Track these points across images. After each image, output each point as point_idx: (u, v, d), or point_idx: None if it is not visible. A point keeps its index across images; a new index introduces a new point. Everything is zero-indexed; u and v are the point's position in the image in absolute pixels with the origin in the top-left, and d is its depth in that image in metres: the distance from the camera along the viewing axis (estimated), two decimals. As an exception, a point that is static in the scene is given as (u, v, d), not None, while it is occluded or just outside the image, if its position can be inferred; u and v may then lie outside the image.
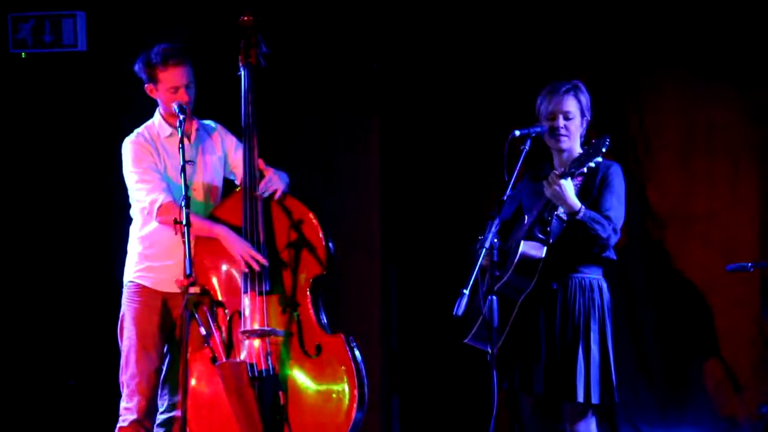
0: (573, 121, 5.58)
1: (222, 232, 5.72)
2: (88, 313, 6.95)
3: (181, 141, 5.57)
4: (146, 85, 5.80)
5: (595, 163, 5.31)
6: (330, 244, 5.77)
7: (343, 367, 5.66)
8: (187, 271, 5.34)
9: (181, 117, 5.64)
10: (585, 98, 5.62)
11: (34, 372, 7.17)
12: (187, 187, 5.48)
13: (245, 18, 5.91)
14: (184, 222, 5.41)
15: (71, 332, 7.10)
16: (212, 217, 5.81)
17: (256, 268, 5.67)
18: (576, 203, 5.38)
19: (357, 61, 6.94)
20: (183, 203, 5.43)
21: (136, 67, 5.80)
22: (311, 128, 7.04)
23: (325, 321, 5.75)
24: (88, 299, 6.93)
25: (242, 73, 5.88)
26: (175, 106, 5.67)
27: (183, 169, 5.50)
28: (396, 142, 7.02)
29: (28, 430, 7.16)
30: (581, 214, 5.38)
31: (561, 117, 5.56)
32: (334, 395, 5.65)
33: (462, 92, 6.92)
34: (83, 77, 7.14)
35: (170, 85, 5.73)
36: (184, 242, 5.39)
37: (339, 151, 7.03)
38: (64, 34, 7.10)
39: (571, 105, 5.57)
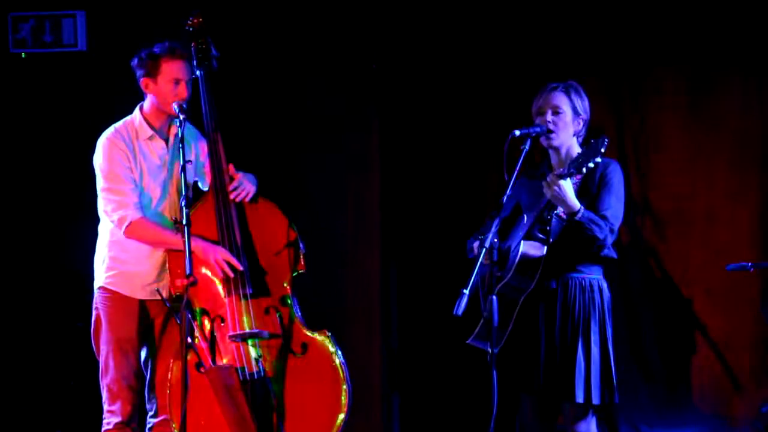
0: (563, 116, 5.58)
1: (194, 245, 5.55)
2: (87, 313, 6.94)
3: (182, 141, 5.55)
4: (143, 79, 5.73)
5: (593, 163, 5.31)
6: (301, 244, 5.76)
7: (331, 364, 5.67)
8: (188, 271, 5.34)
9: (182, 117, 5.62)
10: (579, 98, 5.61)
11: (34, 372, 7.17)
12: (187, 187, 5.48)
13: (194, 20, 5.87)
14: (184, 222, 5.41)
15: (71, 333, 7.09)
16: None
17: (231, 274, 5.65)
18: (576, 204, 5.38)
19: (356, 61, 6.94)
20: (183, 203, 5.43)
21: (135, 61, 5.75)
22: (311, 128, 7.04)
23: (303, 320, 5.75)
24: (87, 300, 6.93)
25: (198, 75, 5.84)
26: (175, 107, 5.65)
27: (183, 169, 5.49)
28: (396, 142, 7.01)
29: (28, 430, 7.16)
30: (580, 215, 5.38)
31: (549, 111, 5.57)
32: (324, 392, 5.65)
33: (462, 92, 6.92)
34: (83, 77, 7.13)
35: (173, 77, 5.69)
36: (184, 242, 5.39)
37: (339, 151, 7.02)
38: (64, 34, 7.10)
39: (559, 100, 5.57)
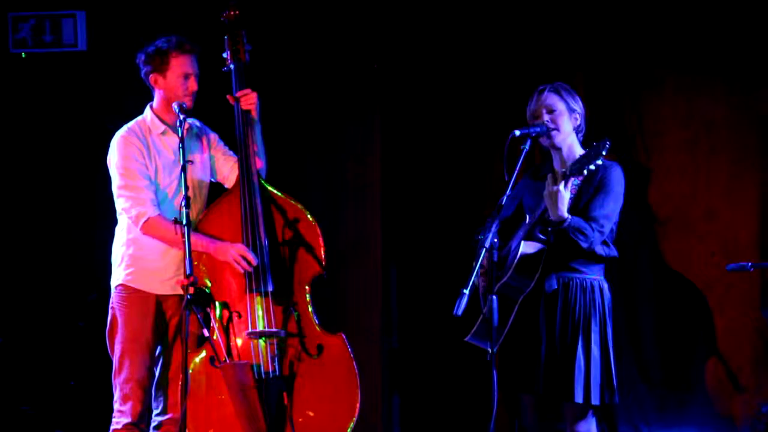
0: (558, 115, 5.59)
1: (209, 247, 5.66)
2: (88, 313, 6.95)
3: (182, 141, 5.55)
4: (151, 75, 5.72)
5: (595, 165, 5.32)
6: (323, 246, 5.77)
7: (346, 367, 5.68)
8: (188, 271, 5.33)
9: (182, 117, 5.62)
10: (570, 95, 5.64)
11: (34, 372, 7.17)
12: (187, 187, 5.47)
13: (231, 12, 5.86)
14: (184, 222, 5.40)
15: (71, 332, 7.10)
16: (208, 216, 5.78)
17: (248, 268, 5.65)
18: (564, 213, 5.38)
19: (358, 61, 6.94)
20: (183, 203, 5.42)
21: (141, 57, 5.74)
22: (312, 128, 7.04)
23: (319, 321, 5.76)
24: (89, 299, 6.93)
25: (232, 68, 5.85)
26: (175, 106, 5.65)
27: (183, 169, 5.49)
28: (397, 141, 7.02)
29: (28, 430, 7.16)
30: (566, 224, 5.39)
31: (544, 111, 5.60)
32: (339, 395, 5.67)
33: (463, 92, 6.92)
34: (83, 77, 7.13)
35: (182, 71, 5.69)
36: (184, 242, 5.39)
37: (340, 151, 7.02)
38: (64, 34, 7.10)
39: (552, 100, 5.61)
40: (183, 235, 5.40)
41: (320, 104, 7.02)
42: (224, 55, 5.88)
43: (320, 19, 6.98)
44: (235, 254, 5.65)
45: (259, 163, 5.85)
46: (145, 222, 5.64)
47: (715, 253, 6.61)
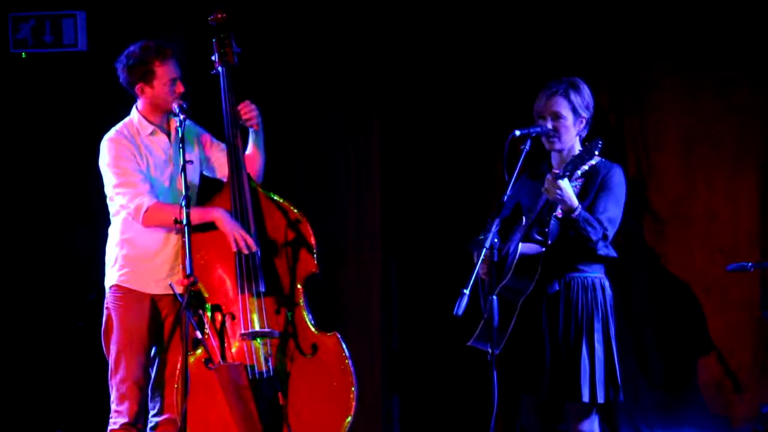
0: (563, 121, 5.56)
1: (218, 215, 5.67)
2: (87, 313, 6.95)
3: (182, 141, 5.55)
4: (137, 85, 5.71)
5: (588, 166, 5.32)
6: (315, 245, 5.76)
7: (340, 366, 5.68)
8: (188, 271, 5.33)
9: (182, 117, 5.62)
10: (580, 97, 5.58)
11: (34, 372, 7.17)
12: (187, 187, 5.47)
13: (219, 15, 5.85)
14: (184, 222, 5.40)
15: (71, 332, 7.10)
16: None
17: (245, 251, 5.64)
18: (574, 202, 5.39)
19: (357, 61, 6.94)
20: (183, 203, 5.42)
21: (122, 68, 5.72)
22: (311, 127, 7.04)
23: (314, 321, 5.75)
24: (88, 299, 6.93)
25: (220, 71, 5.84)
26: (175, 107, 5.65)
27: (183, 170, 5.48)
28: (396, 141, 7.02)
29: (28, 430, 7.16)
30: (577, 213, 5.38)
31: (549, 118, 5.56)
32: (333, 394, 5.67)
33: (462, 91, 6.92)
34: (83, 77, 7.13)
35: (169, 78, 5.68)
36: (184, 242, 5.39)
37: (339, 151, 7.03)
38: (64, 34, 7.10)
39: (559, 105, 5.56)
40: (183, 235, 5.40)
41: (319, 104, 7.02)
42: (212, 58, 5.87)
43: (319, 19, 6.98)
44: (238, 234, 5.64)
45: (257, 166, 5.84)
46: (146, 212, 5.63)
47: (715, 253, 6.61)
